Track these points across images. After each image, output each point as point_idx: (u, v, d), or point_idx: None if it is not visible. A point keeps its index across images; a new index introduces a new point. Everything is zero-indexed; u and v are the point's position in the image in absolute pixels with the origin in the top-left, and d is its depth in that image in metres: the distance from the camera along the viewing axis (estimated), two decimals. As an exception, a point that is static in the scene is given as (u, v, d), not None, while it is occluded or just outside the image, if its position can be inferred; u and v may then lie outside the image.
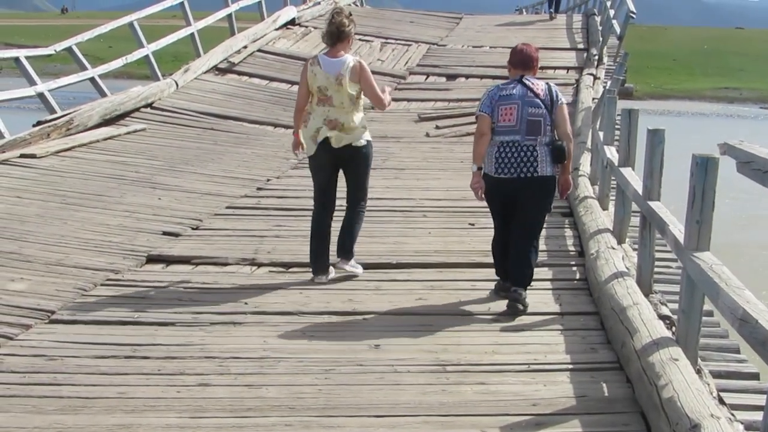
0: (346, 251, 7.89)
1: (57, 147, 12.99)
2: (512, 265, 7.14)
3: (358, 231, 7.96)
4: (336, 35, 7.69)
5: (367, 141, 7.82)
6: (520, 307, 6.95)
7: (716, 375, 6.72)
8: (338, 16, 7.71)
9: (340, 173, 7.94)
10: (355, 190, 7.91)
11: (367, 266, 8.20)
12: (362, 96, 7.79)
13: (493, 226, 7.49)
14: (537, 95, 7.03)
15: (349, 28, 7.72)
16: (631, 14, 20.94)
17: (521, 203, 7.06)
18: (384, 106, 7.99)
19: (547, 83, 7.20)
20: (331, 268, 7.88)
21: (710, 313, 8.06)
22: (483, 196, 7.16)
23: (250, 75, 19.89)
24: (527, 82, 7.09)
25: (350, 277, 7.90)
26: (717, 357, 7.58)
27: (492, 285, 7.58)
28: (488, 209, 7.50)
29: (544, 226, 7.58)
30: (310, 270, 7.87)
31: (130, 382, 5.63)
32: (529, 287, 7.12)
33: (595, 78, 18.76)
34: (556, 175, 7.10)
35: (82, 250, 8.53)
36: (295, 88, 18.63)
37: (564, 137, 7.08)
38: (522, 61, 7.22)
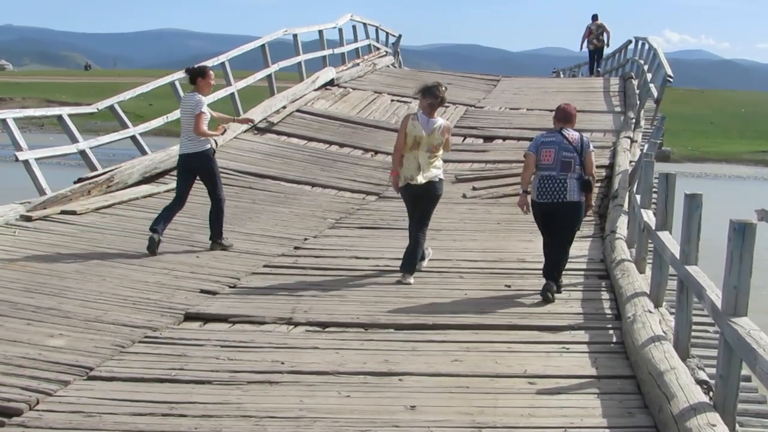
0: (410, 268, 10.05)
1: (97, 204, 13.18)
2: (552, 264, 9.41)
3: (420, 251, 10.27)
4: (437, 104, 10.21)
5: (440, 179, 10.22)
6: (551, 292, 9.23)
7: (754, 441, 6.66)
8: (440, 88, 10.16)
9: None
10: (423, 217, 10.25)
11: (403, 327, 8.25)
12: (441, 148, 10.19)
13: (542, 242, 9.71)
14: (571, 143, 9.32)
15: (445, 100, 10.38)
16: (669, 78, 20.85)
17: (557, 220, 9.34)
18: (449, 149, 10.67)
19: (580, 134, 9.49)
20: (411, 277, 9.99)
21: (748, 378, 7.99)
22: (527, 210, 9.51)
23: (289, 135, 20.02)
24: (565, 132, 9.41)
25: (386, 337, 7.95)
26: (755, 423, 7.51)
27: (528, 347, 7.72)
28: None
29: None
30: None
31: (167, 439, 5.66)
32: (565, 351, 7.60)
33: (633, 141, 18.70)
34: (581, 201, 9.35)
35: (120, 307, 8.61)
36: (333, 147, 19.44)
37: (589, 175, 9.34)
38: (564, 117, 9.55)
